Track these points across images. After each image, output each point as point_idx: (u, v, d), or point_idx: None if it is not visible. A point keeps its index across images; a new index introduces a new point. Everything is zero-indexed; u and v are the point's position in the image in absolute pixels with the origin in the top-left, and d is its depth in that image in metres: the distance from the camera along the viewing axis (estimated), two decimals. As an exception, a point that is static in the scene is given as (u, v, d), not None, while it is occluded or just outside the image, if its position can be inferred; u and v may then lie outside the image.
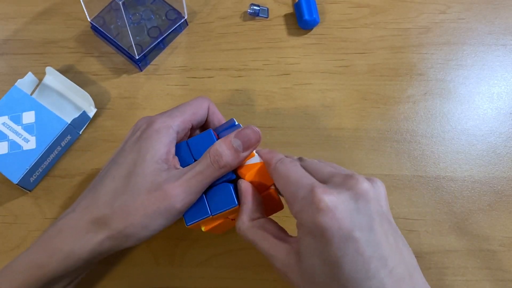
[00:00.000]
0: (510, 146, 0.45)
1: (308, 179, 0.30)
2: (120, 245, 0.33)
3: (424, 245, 0.41)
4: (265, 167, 0.34)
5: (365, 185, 0.29)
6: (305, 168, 0.32)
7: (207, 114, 0.38)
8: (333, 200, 0.28)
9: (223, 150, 0.33)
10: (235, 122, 0.36)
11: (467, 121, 0.46)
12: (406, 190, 0.43)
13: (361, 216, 0.28)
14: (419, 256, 0.41)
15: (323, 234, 0.28)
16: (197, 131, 0.39)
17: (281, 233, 0.33)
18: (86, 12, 0.47)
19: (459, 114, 0.46)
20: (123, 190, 0.32)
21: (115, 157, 0.35)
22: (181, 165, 0.35)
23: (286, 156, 0.34)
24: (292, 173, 0.31)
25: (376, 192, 0.30)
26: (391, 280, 0.27)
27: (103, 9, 0.48)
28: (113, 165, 0.34)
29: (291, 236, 0.33)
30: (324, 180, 0.30)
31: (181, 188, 0.32)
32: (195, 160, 0.34)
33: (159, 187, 0.32)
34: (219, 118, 0.38)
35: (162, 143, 0.33)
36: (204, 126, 0.39)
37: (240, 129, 0.33)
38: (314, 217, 0.28)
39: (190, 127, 0.37)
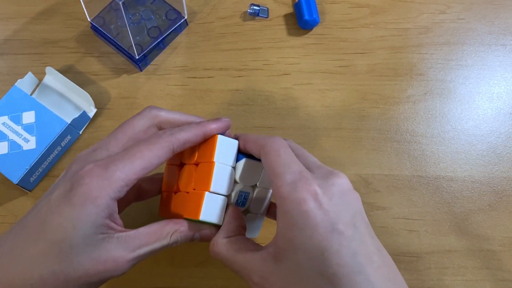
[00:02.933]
0: (510, 146, 0.45)
1: (297, 165, 0.30)
2: None
3: (424, 245, 0.41)
4: (252, 141, 0.33)
5: (349, 183, 0.30)
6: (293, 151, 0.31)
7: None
8: (321, 190, 0.28)
9: (182, 241, 0.32)
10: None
11: (467, 121, 0.46)
12: (406, 190, 0.43)
13: (345, 211, 0.28)
14: (419, 256, 0.41)
15: (308, 224, 0.27)
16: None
17: (255, 246, 0.32)
18: (86, 12, 0.47)
19: (459, 114, 0.46)
20: (55, 259, 0.28)
21: (40, 210, 0.29)
22: None
23: None
24: (283, 153, 0.30)
25: (356, 193, 0.30)
26: (378, 277, 0.27)
27: (103, 9, 0.48)
28: (36, 221, 0.29)
29: (264, 246, 0.31)
30: (309, 168, 0.30)
31: (132, 262, 0.30)
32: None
33: (108, 259, 0.29)
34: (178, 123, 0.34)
35: (96, 215, 0.28)
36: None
37: (204, 229, 0.33)
38: (301, 203, 0.27)
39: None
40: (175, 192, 0.36)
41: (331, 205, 0.28)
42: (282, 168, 0.29)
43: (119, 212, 0.31)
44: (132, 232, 0.31)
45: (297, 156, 0.31)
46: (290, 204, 0.28)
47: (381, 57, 0.48)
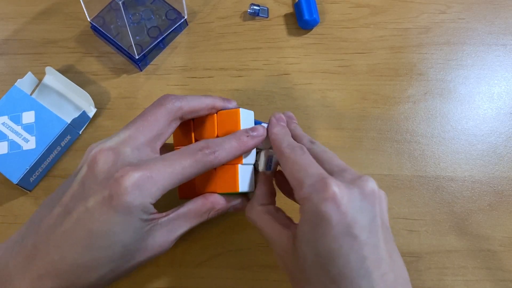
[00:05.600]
0: (510, 146, 0.45)
1: (316, 168, 0.31)
2: None
3: (424, 245, 0.41)
4: (273, 147, 0.35)
5: (374, 187, 0.30)
6: (314, 156, 0.32)
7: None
8: (340, 192, 0.28)
9: (221, 212, 0.36)
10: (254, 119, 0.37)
11: (467, 121, 0.46)
12: (406, 190, 0.43)
13: (364, 215, 0.28)
14: (419, 256, 0.41)
15: (322, 223, 0.28)
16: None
17: (286, 220, 0.33)
18: (86, 12, 0.47)
19: (459, 114, 0.46)
20: (110, 260, 0.30)
21: (79, 217, 0.29)
22: None
23: (295, 135, 0.36)
24: (301, 160, 0.31)
25: (381, 198, 0.30)
26: (382, 284, 0.27)
27: (103, 9, 0.48)
28: (78, 227, 0.29)
29: (296, 224, 0.33)
30: (332, 172, 0.31)
31: (175, 241, 0.34)
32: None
33: (154, 245, 0.32)
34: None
35: (140, 221, 0.30)
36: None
37: (238, 201, 0.37)
38: (318, 204, 0.28)
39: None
40: None
41: (350, 208, 0.28)
42: (301, 173, 0.30)
43: None
44: (172, 215, 0.33)
45: (322, 160, 0.32)
46: (309, 204, 0.29)
47: (381, 57, 0.48)
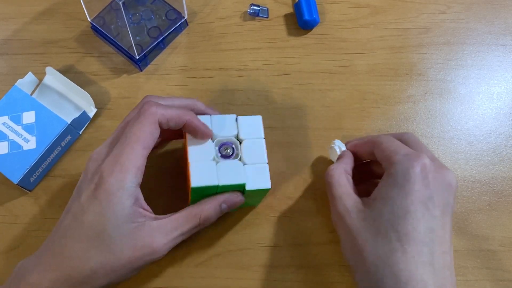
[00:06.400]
0: (510, 146, 0.45)
1: (409, 149, 0.34)
2: None
3: (424, 245, 0.41)
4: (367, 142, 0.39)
5: (454, 180, 0.34)
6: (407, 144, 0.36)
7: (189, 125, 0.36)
8: (430, 166, 0.33)
9: (212, 215, 0.36)
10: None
11: (467, 121, 0.46)
12: (406, 190, 0.43)
13: (441, 196, 0.32)
14: (419, 256, 0.41)
15: (407, 186, 0.31)
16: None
17: (355, 189, 0.36)
18: (86, 12, 0.47)
19: (459, 114, 0.46)
20: (99, 251, 0.32)
21: (74, 212, 0.33)
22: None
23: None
24: (392, 141, 0.36)
25: (456, 193, 0.34)
26: (441, 261, 0.31)
27: (103, 9, 0.48)
28: (74, 222, 0.32)
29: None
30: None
31: (167, 245, 0.34)
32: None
33: (145, 245, 0.33)
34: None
35: (123, 204, 0.32)
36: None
37: (228, 196, 0.36)
38: (409, 169, 0.32)
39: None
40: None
41: (433, 183, 0.32)
42: (397, 148, 0.34)
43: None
44: (164, 220, 0.34)
45: (416, 148, 0.36)
46: (399, 167, 0.32)
47: (381, 57, 0.48)
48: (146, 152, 0.33)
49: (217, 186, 0.35)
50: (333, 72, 0.47)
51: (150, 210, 0.34)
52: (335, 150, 0.40)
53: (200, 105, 0.38)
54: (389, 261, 0.30)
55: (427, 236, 0.31)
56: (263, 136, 0.37)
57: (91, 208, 0.32)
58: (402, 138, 0.37)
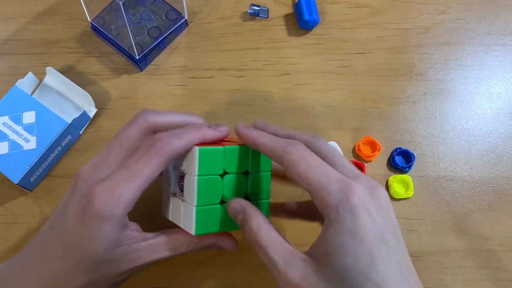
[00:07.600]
0: (510, 146, 0.45)
1: (333, 171, 0.29)
2: None
3: (423, 245, 0.41)
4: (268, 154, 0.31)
5: (388, 197, 0.31)
6: (321, 156, 0.31)
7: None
8: (368, 200, 0.29)
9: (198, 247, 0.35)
10: None
11: (467, 121, 0.46)
12: (406, 190, 0.43)
13: (388, 223, 0.29)
14: (419, 256, 0.41)
15: (360, 229, 0.27)
16: None
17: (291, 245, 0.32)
18: (86, 12, 0.47)
19: (459, 114, 0.46)
20: (86, 273, 0.31)
21: (59, 232, 0.32)
22: None
23: (289, 136, 0.33)
24: (312, 162, 0.29)
25: (392, 208, 0.31)
26: (417, 286, 0.29)
27: (103, 9, 0.48)
28: (59, 243, 0.32)
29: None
30: (347, 177, 0.30)
31: (156, 262, 0.34)
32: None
33: (133, 267, 0.33)
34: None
35: (112, 231, 0.31)
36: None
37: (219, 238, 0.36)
38: (353, 211, 0.28)
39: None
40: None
41: (378, 216, 0.29)
42: (321, 178, 0.29)
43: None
44: (151, 241, 0.33)
45: (333, 163, 0.31)
46: (342, 212, 0.28)
47: (381, 57, 0.48)
48: (146, 186, 0.31)
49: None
50: (333, 72, 0.47)
51: (138, 227, 0.34)
52: None
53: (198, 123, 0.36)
54: None
55: (400, 272, 0.28)
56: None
57: (78, 232, 0.31)
58: (314, 147, 0.32)
